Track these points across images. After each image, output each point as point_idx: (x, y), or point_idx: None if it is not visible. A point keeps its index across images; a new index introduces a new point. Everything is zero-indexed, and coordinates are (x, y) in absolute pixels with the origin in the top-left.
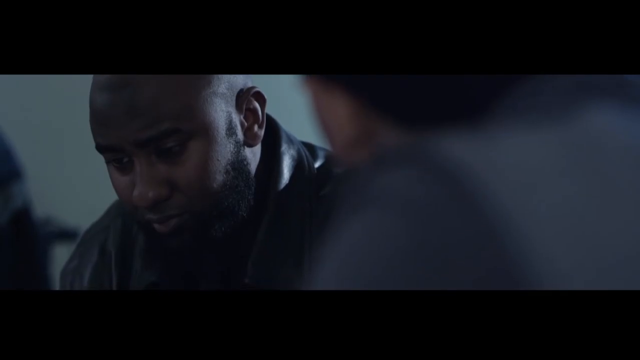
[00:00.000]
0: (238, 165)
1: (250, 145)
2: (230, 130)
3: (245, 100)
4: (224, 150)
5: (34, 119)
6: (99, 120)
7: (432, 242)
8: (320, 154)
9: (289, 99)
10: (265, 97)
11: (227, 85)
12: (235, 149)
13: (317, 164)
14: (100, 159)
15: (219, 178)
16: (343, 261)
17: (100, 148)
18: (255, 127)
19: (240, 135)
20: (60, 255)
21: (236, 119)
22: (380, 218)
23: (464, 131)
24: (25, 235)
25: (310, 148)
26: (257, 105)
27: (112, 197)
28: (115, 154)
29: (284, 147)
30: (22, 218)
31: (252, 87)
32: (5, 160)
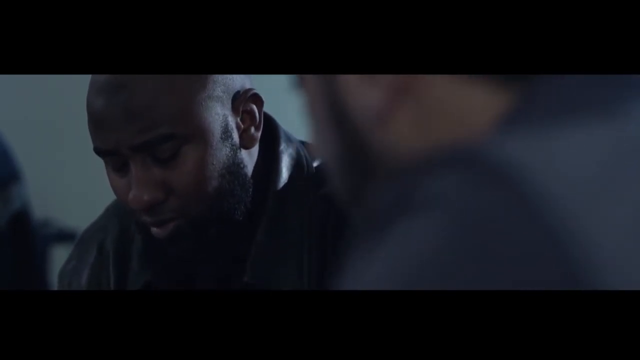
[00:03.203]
0: (234, 168)
1: (247, 148)
2: (226, 134)
3: (242, 102)
4: (220, 155)
5: (32, 121)
6: (96, 123)
7: (489, 246)
8: None
9: (287, 98)
10: (263, 98)
11: (223, 88)
12: (232, 153)
13: (315, 163)
14: (98, 160)
15: (214, 183)
16: (392, 266)
17: (98, 152)
18: (252, 130)
19: (236, 138)
20: (59, 256)
21: (232, 121)
22: (432, 222)
23: (516, 131)
24: (24, 236)
25: (309, 147)
26: (254, 107)
27: (110, 198)
28: (112, 157)
29: (283, 146)
30: (21, 220)
31: (249, 89)
32: (3, 162)
